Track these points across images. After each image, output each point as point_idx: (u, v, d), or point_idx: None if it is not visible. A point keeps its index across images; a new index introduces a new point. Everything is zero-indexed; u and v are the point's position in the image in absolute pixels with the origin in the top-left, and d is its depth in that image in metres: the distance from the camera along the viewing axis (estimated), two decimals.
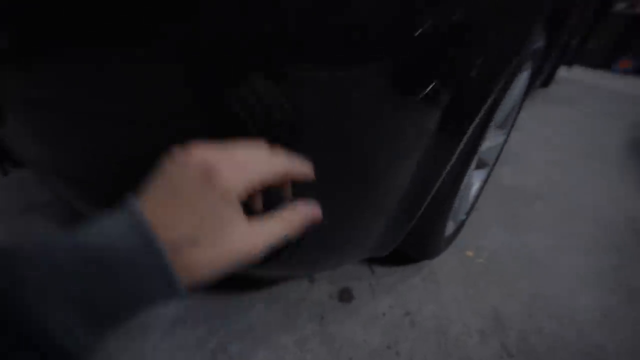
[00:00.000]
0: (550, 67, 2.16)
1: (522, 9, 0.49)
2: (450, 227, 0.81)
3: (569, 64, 2.79)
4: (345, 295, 0.79)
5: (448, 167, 0.52)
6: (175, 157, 0.24)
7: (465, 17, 0.36)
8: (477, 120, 0.48)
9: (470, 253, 0.93)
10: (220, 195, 0.23)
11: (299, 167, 0.28)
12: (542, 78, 2.11)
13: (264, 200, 0.30)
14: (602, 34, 3.82)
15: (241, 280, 0.80)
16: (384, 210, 0.51)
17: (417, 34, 0.32)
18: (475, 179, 0.92)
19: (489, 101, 0.47)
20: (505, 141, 0.97)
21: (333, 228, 0.47)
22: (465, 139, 0.48)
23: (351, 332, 0.71)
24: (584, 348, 0.72)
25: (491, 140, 0.84)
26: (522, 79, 0.73)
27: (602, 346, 0.73)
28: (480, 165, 0.92)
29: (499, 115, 0.79)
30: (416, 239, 0.67)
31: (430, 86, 0.37)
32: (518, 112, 0.91)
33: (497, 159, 0.99)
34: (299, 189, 0.32)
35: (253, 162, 0.25)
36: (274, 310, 0.74)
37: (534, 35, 0.61)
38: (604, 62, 4.16)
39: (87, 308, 0.19)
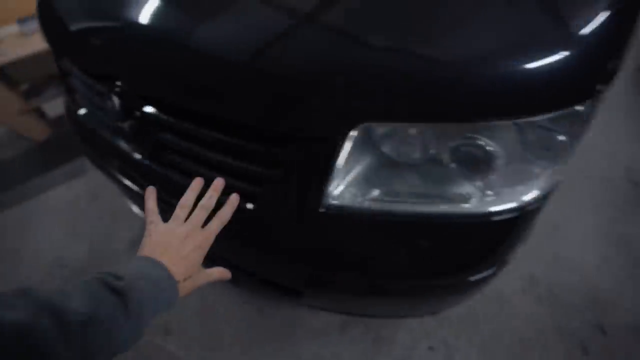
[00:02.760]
0: None
1: None
2: None
3: None
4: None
5: None
6: (157, 229, 0.44)
7: None
8: None
9: None
10: (196, 246, 0.43)
11: (220, 221, 0.48)
12: None
13: None
14: None
15: None
16: None
17: None
18: None
19: None
20: None
21: None
22: None
23: None
24: (588, 289, 1.13)
25: None
26: None
27: (598, 286, 1.14)
28: None
29: None
30: None
31: None
32: None
33: None
34: None
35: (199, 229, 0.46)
36: None
37: None
38: None
39: (153, 307, 0.36)
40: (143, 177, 0.68)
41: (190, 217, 0.47)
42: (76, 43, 0.65)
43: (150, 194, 0.49)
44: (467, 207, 0.54)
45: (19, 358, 0.24)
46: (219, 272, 0.48)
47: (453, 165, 0.53)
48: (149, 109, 0.58)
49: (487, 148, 0.49)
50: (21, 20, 1.67)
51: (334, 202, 0.53)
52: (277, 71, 0.46)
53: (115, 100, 0.60)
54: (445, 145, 0.50)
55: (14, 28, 1.74)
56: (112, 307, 0.32)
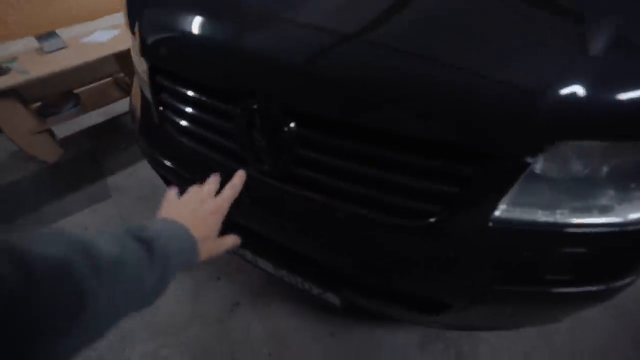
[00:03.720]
0: None
1: None
2: None
3: None
4: None
5: None
6: (173, 199, 0.46)
7: None
8: None
9: None
10: (211, 211, 0.45)
11: (233, 191, 0.49)
12: None
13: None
14: None
15: None
16: None
17: None
18: None
19: None
20: None
21: None
22: None
23: None
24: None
25: None
26: None
27: None
28: None
29: None
30: None
31: None
32: None
33: None
34: None
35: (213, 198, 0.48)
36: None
37: None
38: None
39: (176, 259, 0.37)
40: (263, 200, 0.65)
41: (202, 187, 0.49)
42: (202, 60, 0.63)
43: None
44: (611, 217, 0.56)
45: (61, 290, 0.25)
46: (232, 240, 0.49)
47: (606, 179, 0.55)
48: (302, 126, 0.55)
49: None
50: (40, 37, 1.57)
51: (499, 216, 0.53)
52: (489, 93, 0.45)
53: (257, 118, 0.58)
54: (607, 161, 0.52)
55: (29, 43, 1.64)
56: (138, 253, 0.33)
